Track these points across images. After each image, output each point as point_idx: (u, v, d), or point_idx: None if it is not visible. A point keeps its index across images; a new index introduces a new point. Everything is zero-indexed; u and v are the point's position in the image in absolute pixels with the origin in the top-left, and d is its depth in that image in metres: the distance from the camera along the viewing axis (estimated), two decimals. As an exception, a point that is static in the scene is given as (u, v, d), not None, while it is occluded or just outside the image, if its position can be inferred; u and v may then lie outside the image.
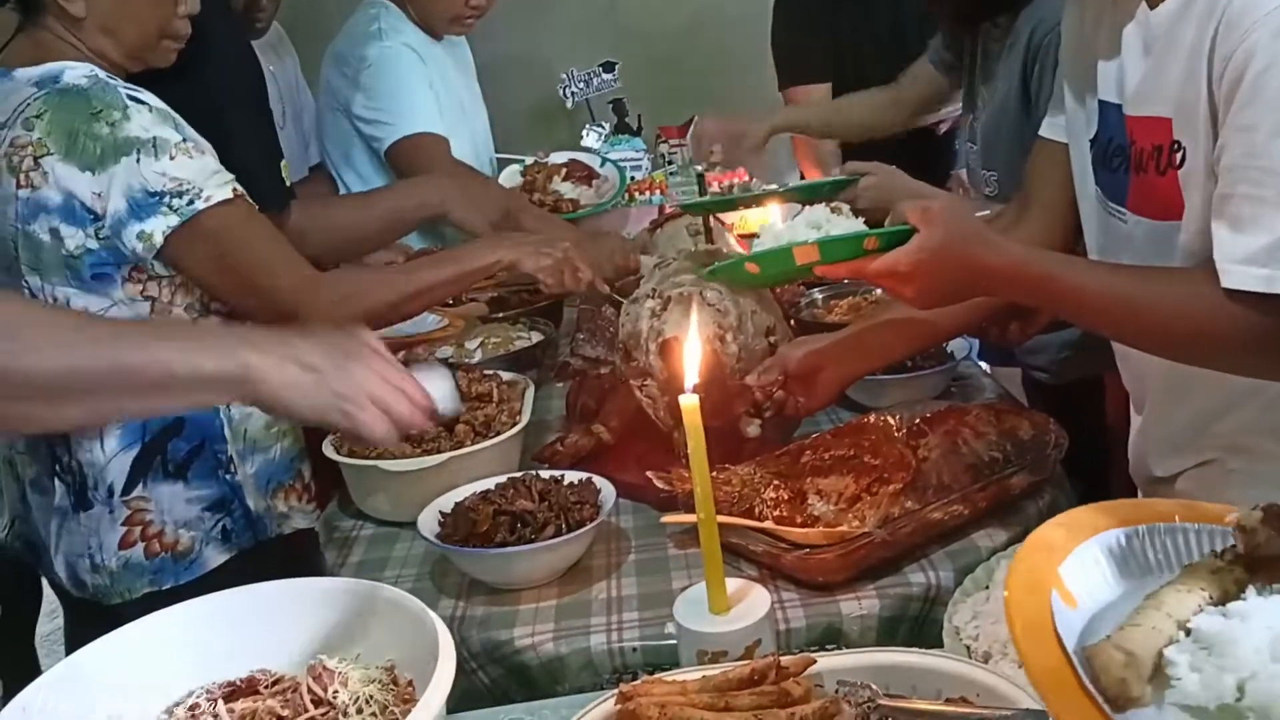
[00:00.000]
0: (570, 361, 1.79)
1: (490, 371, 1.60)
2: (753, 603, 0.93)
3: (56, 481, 1.31)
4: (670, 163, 2.68)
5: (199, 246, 1.25)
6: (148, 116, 1.24)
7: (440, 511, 1.21)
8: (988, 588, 1.01)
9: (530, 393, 1.51)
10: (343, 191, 2.20)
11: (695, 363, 0.89)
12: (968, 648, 0.92)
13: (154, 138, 1.22)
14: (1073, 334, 1.70)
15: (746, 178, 2.36)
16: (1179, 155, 1.00)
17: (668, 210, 2.16)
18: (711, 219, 1.90)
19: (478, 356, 1.78)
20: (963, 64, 1.79)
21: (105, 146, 1.21)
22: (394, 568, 1.25)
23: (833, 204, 1.14)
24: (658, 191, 2.53)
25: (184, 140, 1.25)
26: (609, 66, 2.83)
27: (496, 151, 2.44)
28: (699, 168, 2.24)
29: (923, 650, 0.83)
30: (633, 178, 2.60)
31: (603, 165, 2.44)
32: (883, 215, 1.23)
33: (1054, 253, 1.10)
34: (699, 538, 0.92)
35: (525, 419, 1.43)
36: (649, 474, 1.24)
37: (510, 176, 2.39)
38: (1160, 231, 1.04)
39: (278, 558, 1.38)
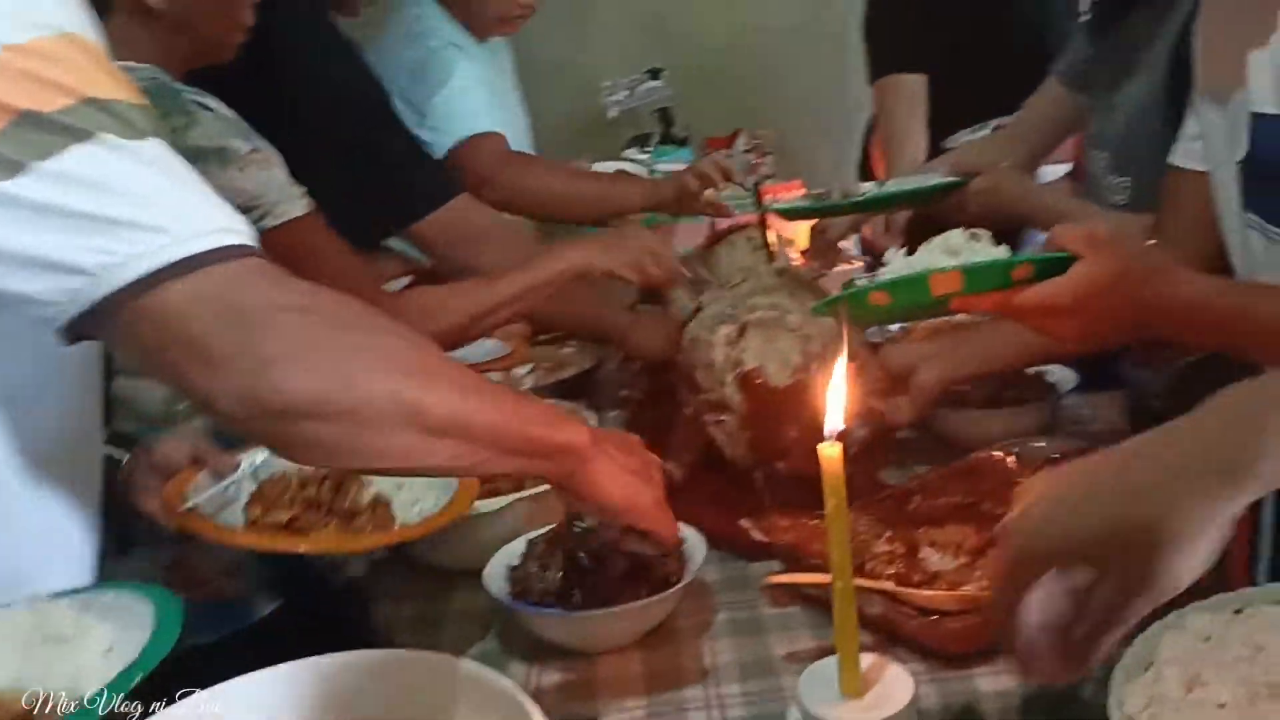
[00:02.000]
0: (628, 392, 1.66)
1: (546, 400, 1.47)
2: (892, 684, 0.80)
3: None
4: (718, 175, 2.55)
5: None
6: (214, 124, 1.15)
7: (509, 565, 1.08)
8: (1151, 664, 0.87)
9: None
10: None
11: (840, 402, 0.76)
12: (1149, 742, 0.78)
13: (220, 147, 1.14)
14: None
15: (803, 189, 2.23)
16: None
17: (719, 226, 2.03)
18: (773, 233, 1.77)
19: (528, 383, 1.66)
20: (1098, 59, 1.59)
21: None
22: (453, 624, 1.12)
23: (972, 230, 0.99)
24: (707, 206, 2.39)
25: (253, 150, 1.16)
26: (655, 73, 2.69)
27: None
28: (753, 179, 2.12)
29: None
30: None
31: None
32: (992, 225, 1.09)
33: (1247, 282, 0.96)
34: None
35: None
36: (743, 522, 1.11)
37: (554, 188, 2.26)
38: None
39: (330, 606, 1.26)
